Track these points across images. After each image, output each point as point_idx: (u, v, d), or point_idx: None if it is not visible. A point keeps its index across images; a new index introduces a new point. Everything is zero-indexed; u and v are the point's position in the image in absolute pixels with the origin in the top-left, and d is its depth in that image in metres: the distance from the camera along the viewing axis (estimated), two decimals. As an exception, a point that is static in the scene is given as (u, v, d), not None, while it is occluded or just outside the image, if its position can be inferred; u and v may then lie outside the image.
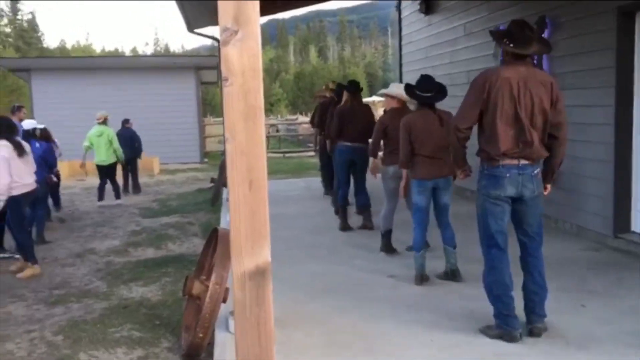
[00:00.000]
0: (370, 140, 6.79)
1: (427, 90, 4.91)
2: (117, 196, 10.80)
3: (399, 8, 12.12)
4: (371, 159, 6.29)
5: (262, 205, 2.10)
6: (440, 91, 4.96)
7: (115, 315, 4.87)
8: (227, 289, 3.76)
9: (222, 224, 7.44)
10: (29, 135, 8.02)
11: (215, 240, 4.21)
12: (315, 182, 10.85)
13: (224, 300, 3.80)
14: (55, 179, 8.65)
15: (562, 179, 6.50)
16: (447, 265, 4.94)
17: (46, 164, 8.00)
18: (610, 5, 5.59)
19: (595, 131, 5.95)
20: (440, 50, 9.78)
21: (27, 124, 8.44)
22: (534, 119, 3.52)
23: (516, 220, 3.75)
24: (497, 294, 3.69)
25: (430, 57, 10.21)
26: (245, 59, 2.01)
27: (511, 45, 3.54)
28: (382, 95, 6.15)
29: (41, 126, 8.55)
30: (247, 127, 2.04)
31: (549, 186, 3.83)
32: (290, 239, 6.64)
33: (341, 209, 7.11)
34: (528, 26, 3.60)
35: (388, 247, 5.83)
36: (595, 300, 4.41)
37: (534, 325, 3.74)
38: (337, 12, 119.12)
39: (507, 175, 3.55)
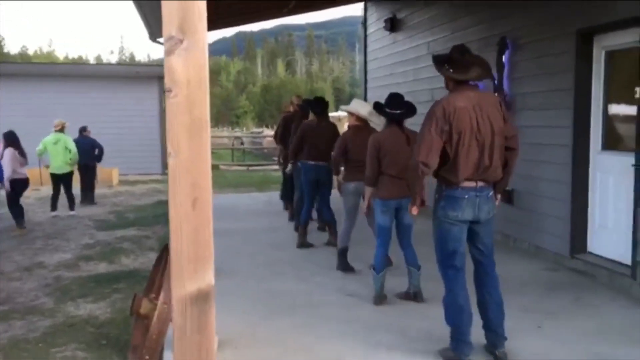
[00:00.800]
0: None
1: (397, 107, 4.88)
2: (71, 207, 10.48)
3: (364, 25, 12.18)
4: (335, 177, 6.16)
5: (206, 224, 1.99)
6: (409, 109, 4.93)
7: (60, 334, 4.64)
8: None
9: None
10: None
11: (166, 257, 4.05)
12: (278, 196, 10.72)
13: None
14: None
15: (521, 198, 6.55)
16: (410, 286, 4.86)
17: None
18: (569, 28, 5.67)
19: (553, 152, 6.01)
20: (404, 68, 9.83)
21: None
22: (494, 141, 3.52)
23: (472, 239, 3.72)
24: (452, 316, 3.66)
25: (394, 74, 10.26)
26: (190, 70, 1.90)
27: (451, 70, 3.55)
28: (344, 110, 6.12)
29: None
30: (192, 142, 1.93)
31: (499, 196, 3.82)
32: (251, 255, 6.50)
33: (302, 226, 7.01)
34: (468, 51, 3.62)
35: (345, 266, 5.76)
36: (553, 321, 4.40)
37: (499, 350, 3.68)
38: (306, 26, 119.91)
39: (466, 196, 3.53)
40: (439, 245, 3.70)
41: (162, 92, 18.58)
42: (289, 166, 7.60)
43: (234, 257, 6.28)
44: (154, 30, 9.78)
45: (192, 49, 1.97)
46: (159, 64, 21.57)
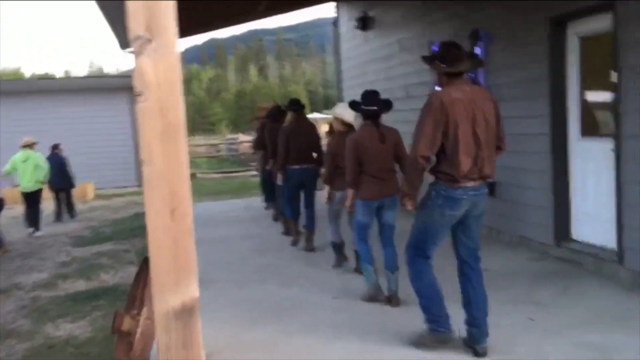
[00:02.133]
0: (315, 156, 6.79)
1: (372, 104, 4.80)
2: (37, 227, 10.19)
3: (336, 25, 12.13)
4: (327, 188, 5.95)
5: (187, 235, 1.88)
6: (385, 104, 4.86)
7: (40, 357, 4.47)
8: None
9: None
10: None
11: (146, 271, 3.92)
12: (258, 201, 10.59)
13: (158, 336, 3.51)
14: None
15: (503, 190, 6.53)
16: (388, 290, 4.75)
17: None
18: (541, 17, 5.67)
19: (532, 141, 6.00)
20: (377, 66, 9.79)
21: None
22: (488, 136, 3.53)
23: (460, 233, 3.69)
24: (430, 295, 3.69)
25: (367, 72, 10.22)
26: (161, 71, 1.79)
27: (443, 65, 3.56)
28: (329, 114, 6.05)
29: None
30: (166, 148, 1.82)
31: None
32: (231, 262, 6.37)
33: (292, 222, 6.96)
34: (455, 45, 3.64)
35: (339, 260, 5.85)
36: (543, 312, 4.36)
37: (480, 346, 3.64)
38: (276, 30, 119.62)
39: (465, 197, 3.52)
40: (422, 235, 3.68)
41: (134, 104, 18.35)
42: (279, 176, 7.09)
43: (214, 265, 6.13)
44: (123, 39, 9.60)
45: (162, 49, 1.85)
46: (129, 75, 21.27)
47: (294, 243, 6.93)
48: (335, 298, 4.92)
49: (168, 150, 1.90)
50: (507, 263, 5.71)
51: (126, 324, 3.76)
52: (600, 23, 5.13)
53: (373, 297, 4.74)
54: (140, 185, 17.53)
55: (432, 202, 3.58)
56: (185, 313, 1.95)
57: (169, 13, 1.86)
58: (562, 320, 4.16)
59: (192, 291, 1.96)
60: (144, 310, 3.43)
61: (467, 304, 3.69)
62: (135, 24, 1.85)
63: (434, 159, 3.53)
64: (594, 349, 3.63)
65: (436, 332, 3.69)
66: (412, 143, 3.53)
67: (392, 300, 4.67)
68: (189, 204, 1.94)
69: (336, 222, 5.80)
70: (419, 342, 3.76)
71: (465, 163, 3.45)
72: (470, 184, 3.51)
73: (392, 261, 4.74)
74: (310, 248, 6.65)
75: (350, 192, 4.91)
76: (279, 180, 7.06)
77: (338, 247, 5.89)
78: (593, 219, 5.48)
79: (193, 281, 1.97)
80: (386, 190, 4.71)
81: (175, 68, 1.92)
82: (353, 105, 4.94)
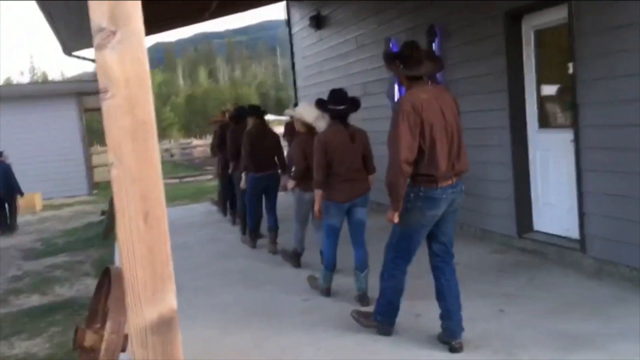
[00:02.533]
0: (277, 160, 6.74)
1: (340, 103, 4.69)
2: None
3: (289, 25, 12.02)
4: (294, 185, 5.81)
5: (163, 241, 1.74)
6: (353, 104, 4.77)
7: (-5, 379, 4.20)
8: (126, 336, 3.30)
9: (117, 260, 6.82)
10: None
11: (108, 282, 3.72)
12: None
13: (123, 349, 3.33)
14: None
15: (465, 183, 6.55)
16: (357, 289, 4.67)
17: None
18: (497, 10, 5.72)
19: (492, 135, 6.05)
20: (334, 64, 9.74)
21: None
22: (454, 133, 3.55)
23: (434, 229, 3.67)
24: (391, 299, 3.80)
25: (324, 71, 10.16)
26: (128, 65, 1.65)
27: (402, 67, 3.57)
28: (288, 115, 5.94)
29: None
30: (136, 147, 1.67)
31: None
32: (196, 268, 6.19)
33: (253, 233, 6.89)
34: (417, 47, 3.65)
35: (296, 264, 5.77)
36: (511, 303, 4.38)
37: (456, 341, 3.63)
38: (225, 33, 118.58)
39: (444, 196, 3.53)
40: (402, 241, 3.68)
41: (82, 110, 17.76)
42: (242, 178, 6.99)
43: (180, 272, 5.85)
44: (68, 44, 9.24)
45: (128, 41, 1.70)
46: (76, 81, 20.59)
47: (253, 246, 6.91)
48: (306, 300, 4.82)
49: (138, 150, 1.76)
50: (473, 256, 5.73)
51: (89, 339, 3.55)
52: (556, 15, 5.20)
53: (320, 290, 4.87)
54: (90, 194, 17.01)
55: (411, 204, 3.56)
56: (164, 326, 1.80)
57: (134, 1, 1.72)
58: (533, 311, 4.18)
59: (170, 301, 1.82)
60: (108, 324, 3.24)
61: (441, 298, 3.69)
62: (98, 15, 1.70)
63: (413, 161, 3.49)
64: (569, 339, 3.65)
65: (380, 324, 3.87)
66: (390, 154, 3.51)
67: (362, 299, 4.60)
68: (163, 207, 1.80)
69: (302, 227, 5.68)
70: (360, 317, 4.02)
71: (443, 162, 3.47)
72: (448, 182, 3.52)
73: (362, 261, 4.68)
74: (274, 250, 6.53)
75: (318, 194, 4.80)
76: (242, 183, 6.94)
77: (297, 256, 5.82)
78: (554, 209, 5.56)
79: (170, 291, 1.83)
80: (357, 191, 4.64)
81: (142, 61, 1.78)
82: (320, 104, 4.83)
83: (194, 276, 5.82)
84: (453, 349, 3.60)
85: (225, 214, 9.14)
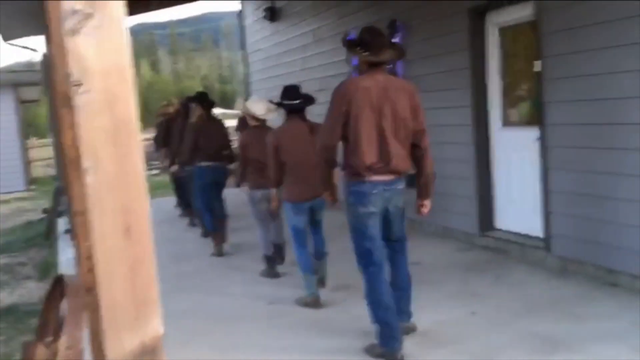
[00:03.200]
0: (225, 153, 6.51)
1: (295, 98, 4.61)
2: None
3: (240, 17, 11.71)
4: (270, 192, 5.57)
5: (148, 258, 1.52)
6: (307, 99, 4.70)
7: None
8: (82, 351, 3.02)
9: (62, 261, 6.41)
10: None
11: (60, 290, 3.41)
12: (167, 202, 9.98)
13: (80, 366, 3.05)
14: None
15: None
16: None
17: None
18: (461, 7, 5.66)
19: (455, 132, 6.00)
20: (290, 58, 9.52)
21: None
22: (397, 129, 3.40)
23: (384, 228, 3.57)
24: (379, 315, 3.46)
25: (280, 64, 9.93)
26: (106, 54, 1.41)
27: (365, 53, 3.44)
28: (238, 110, 5.75)
29: None
30: (117, 150, 1.44)
31: (427, 202, 3.71)
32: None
33: (211, 233, 6.58)
34: (379, 32, 3.54)
35: (271, 273, 5.32)
36: (481, 303, 4.32)
37: (408, 323, 3.68)
38: (167, 24, 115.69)
39: (374, 191, 3.39)
40: (356, 243, 3.53)
41: (19, 101, 16.82)
42: (176, 167, 7.26)
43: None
44: (7, 31, 8.65)
45: (107, 25, 1.46)
46: (14, 70, 19.51)
47: (219, 254, 6.44)
48: (271, 304, 4.62)
49: (118, 153, 1.52)
50: (437, 255, 5.68)
51: (40, 354, 3.24)
52: (521, 12, 5.18)
53: (310, 304, 4.46)
54: (28, 190, 16.16)
55: (347, 201, 3.49)
56: (147, 355, 1.57)
57: (113, -21, 1.48)
58: (503, 312, 4.13)
59: (155, 327, 1.60)
60: (64, 339, 2.95)
61: (395, 285, 3.61)
62: (71, -6, 1.44)
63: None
64: (544, 340, 3.60)
65: (384, 348, 3.45)
66: (317, 138, 3.51)
67: (322, 281, 4.70)
68: (147, 220, 1.57)
69: (265, 227, 5.32)
70: (369, 348, 3.57)
71: (367, 154, 3.33)
72: (379, 178, 3.38)
73: (320, 248, 4.75)
74: (223, 240, 6.39)
75: (274, 192, 4.70)
76: (173, 168, 7.24)
77: (269, 260, 5.35)
78: (517, 207, 5.56)
79: (155, 315, 1.61)
80: (317, 191, 4.39)
81: (123, 49, 1.54)
82: (277, 103, 4.84)
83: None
84: (407, 330, 3.64)
85: (183, 212, 8.76)
